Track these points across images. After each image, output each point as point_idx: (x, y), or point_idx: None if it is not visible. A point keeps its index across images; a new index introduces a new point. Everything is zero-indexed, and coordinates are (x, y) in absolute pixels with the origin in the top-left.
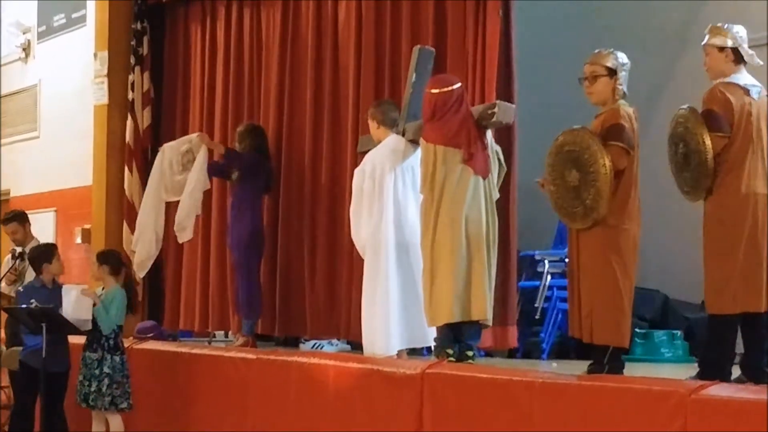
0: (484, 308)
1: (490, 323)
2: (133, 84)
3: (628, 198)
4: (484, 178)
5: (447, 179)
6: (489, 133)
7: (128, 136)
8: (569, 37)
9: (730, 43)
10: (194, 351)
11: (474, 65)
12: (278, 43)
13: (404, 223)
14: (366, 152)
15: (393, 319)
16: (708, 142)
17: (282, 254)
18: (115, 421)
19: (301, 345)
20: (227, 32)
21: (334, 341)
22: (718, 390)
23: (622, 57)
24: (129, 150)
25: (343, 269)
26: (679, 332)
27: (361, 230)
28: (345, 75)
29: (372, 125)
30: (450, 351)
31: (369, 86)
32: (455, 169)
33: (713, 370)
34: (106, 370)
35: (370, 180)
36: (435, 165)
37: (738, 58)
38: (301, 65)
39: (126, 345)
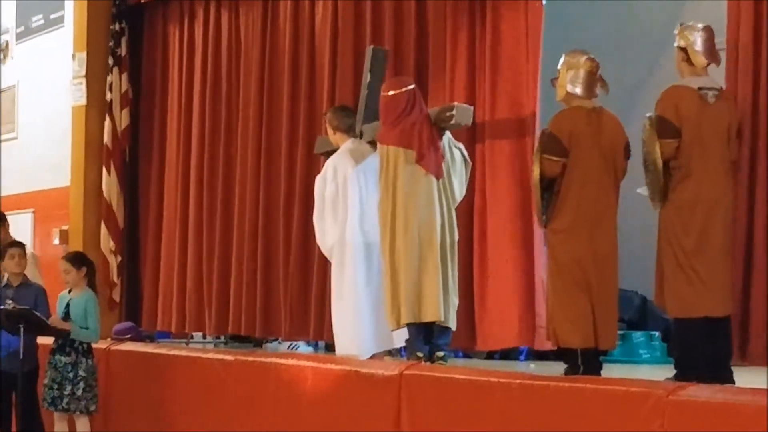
0: (436, 310)
1: (449, 325)
2: (111, 85)
3: (565, 202)
4: (437, 179)
5: (399, 180)
6: (448, 134)
7: (106, 137)
8: (559, 37)
9: (681, 43)
10: (172, 352)
11: (452, 67)
12: (256, 43)
13: (369, 225)
14: (323, 153)
15: (363, 322)
16: (657, 149)
17: (261, 256)
18: (84, 423)
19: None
20: (205, 33)
21: (298, 343)
22: (695, 391)
23: (568, 57)
24: (107, 151)
25: (321, 271)
26: (657, 333)
27: (326, 235)
28: (321, 75)
29: (329, 131)
30: (420, 354)
31: (346, 87)
32: (408, 170)
33: (689, 371)
34: (81, 373)
35: (333, 184)
36: (388, 166)
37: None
38: (279, 66)
39: (104, 347)
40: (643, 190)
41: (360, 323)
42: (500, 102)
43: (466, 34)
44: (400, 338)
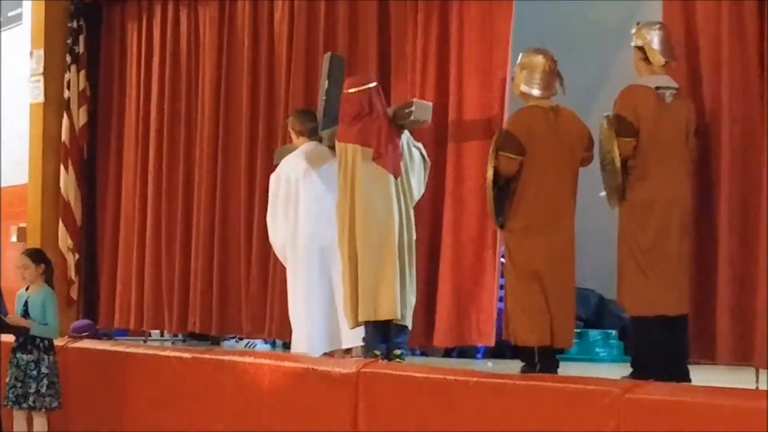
0: (393, 308)
1: (406, 323)
2: (69, 82)
3: (522, 202)
4: (395, 177)
5: (358, 178)
6: (406, 132)
7: (64, 134)
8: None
9: (639, 42)
10: (129, 350)
11: (413, 66)
12: (215, 42)
13: (324, 226)
14: None
15: (314, 321)
16: (615, 149)
17: (219, 254)
18: (41, 420)
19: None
20: (163, 31)
21: (255, 341)
22: (652, 389)
23: (523, 56)
24: (65, 149)
25: (281, 270)
26: (613, 332)
27: (277, 235)
28: (279, 75)
29: (293, 135)
30: (377, 352)
31: (299, 88)
32: (366, 168)
33: (646, 369)
34: (44, 370)
35: (285, 185)
36: (346, 164)
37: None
38: (237, 65)
39: (61, 344)
40: (605, 194)
41: (312, 323)
42: (468, 102)
43: (435, 34)
44: (349, 338)
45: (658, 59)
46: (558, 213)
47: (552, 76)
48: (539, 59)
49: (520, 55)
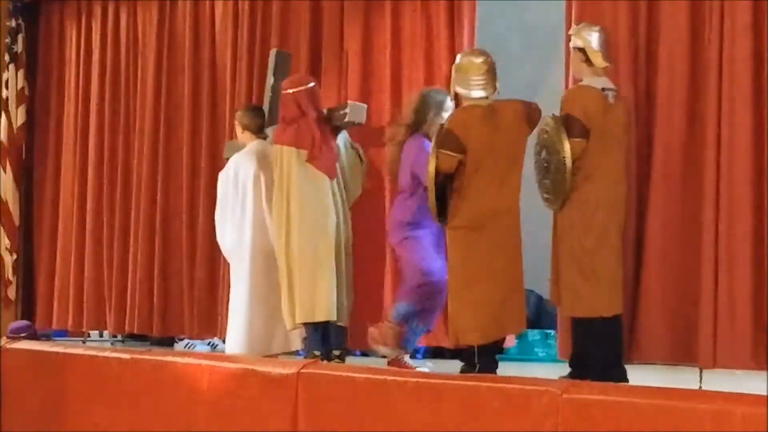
0: (330, 309)
1: (342, 323)
2: (7, 82)
3: (464, 199)
4: (331, 178)
5: (293, 180)
6: (344, 133)
7: (2, 134)
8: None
9: (579, 44)
10: (68, 351)
11: (345, 67)
12: (155, 42)
13: (269, 227)
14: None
15: (253, 327)
16: (567, 148)
17: (159, 254)
18: None
19: (176, 344)
20: (103, 31)
21: (194, 342)
22: (590, 389)
23: (459, 59)
24: (3, 148)
25: (225, 270)
26: (552, 332)
27: (225, 235)
28: (222, 75)
29: (237, 129)
30: (317, 352)
31: (243, 87)
32: (301, 170)
33: (584, 369)
34: None
35: (234, 184)
36: (282, 165)
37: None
38: (178, 65)
39: None
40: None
41: (250, 328)
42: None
43: (369, 34)
44: (278, 345)
45: (599, 61)
46: (501, 211)
47: (489, 76)
48: (475, 60)
49: (458, 56)
